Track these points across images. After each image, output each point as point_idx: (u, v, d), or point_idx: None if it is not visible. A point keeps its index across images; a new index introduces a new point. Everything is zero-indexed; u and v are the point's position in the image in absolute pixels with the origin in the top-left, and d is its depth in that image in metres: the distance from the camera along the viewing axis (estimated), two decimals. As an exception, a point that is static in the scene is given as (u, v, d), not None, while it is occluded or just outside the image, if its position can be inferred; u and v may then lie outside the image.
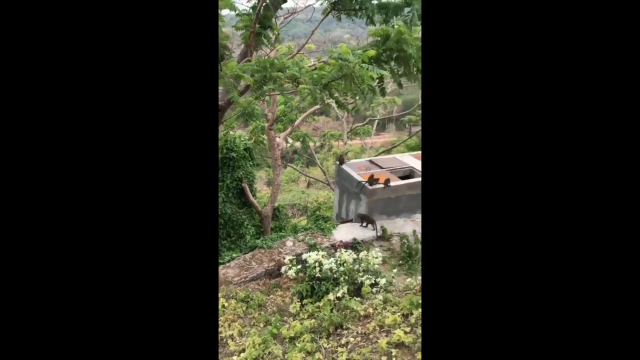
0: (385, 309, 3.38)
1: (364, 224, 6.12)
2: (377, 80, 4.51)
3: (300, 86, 3.62)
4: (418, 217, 6.67)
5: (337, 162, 7.73)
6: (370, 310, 3.43)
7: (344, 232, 5.98)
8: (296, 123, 9.31)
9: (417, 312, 3.08)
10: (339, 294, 3.79)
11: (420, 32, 4.49)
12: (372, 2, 4.84)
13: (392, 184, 6.60)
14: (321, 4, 5.27)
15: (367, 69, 3.26)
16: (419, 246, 5.20)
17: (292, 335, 3.38)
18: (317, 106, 8.37)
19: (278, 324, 3.61)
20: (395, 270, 4.49)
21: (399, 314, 3.18)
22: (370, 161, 7.90)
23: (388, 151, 13.14)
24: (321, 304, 3.79)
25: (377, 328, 3.11)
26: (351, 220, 6.61)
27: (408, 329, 2.94)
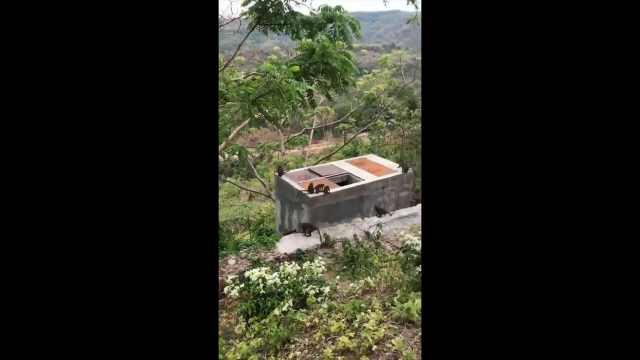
0: (330, 316, 3.44)
1: (307, 233, 6.17)
2: (307, 93, 4.62)
3: (227, 103, 3.58)
4: (358, 221, 6.90)
5: (277, 173, 7.73)
6: (316, 320, 3.47)
7: (288, 244, 5.98)
8: (230, 136, 9.13)
9: (360, 316, 3.19)
10: (285, 308, 3.78)
11: (343, 47, 4.70)
12: (297, 18, 4.96)
13: (331, 190, 6.76)
14: (246, 18, 5.28)
15: (294, 84, 3.34)
16: (360, 249, 5.38)
17: (239, 358, 3.29)
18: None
19: (223, 349, 3.49)
20: (338, 277, 4.59)
21: (343, 320, 3.26)
22: (309, 170, 8.02)
23: (327, 158, 13.42)
24: (267, 320, 3.75)
25: (323, 337, 3.16)
26: (294, 231, 6.63)
27: (352, 334, 3.02)
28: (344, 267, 5.27)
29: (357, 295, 3.83)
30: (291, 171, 8.05)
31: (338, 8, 5.06)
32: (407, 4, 6.18)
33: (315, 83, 4.56)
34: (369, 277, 3.98)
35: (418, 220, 7.23)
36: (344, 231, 6.48)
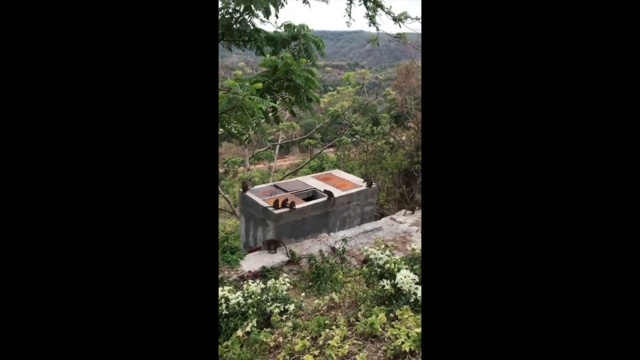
0: (295, 335, 3.38)
1: (273, 250, 6.08)
2: (272, 109, 4.64)
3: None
4: (324, 236, 6.91)
5: (241, 189, 7.61)
6: (280, 339, 3.39)
7: (253, 261, 5.85)
8: (194, 152, 8.91)
9: (325, 333, 3.15)
10: (248, 329, 3.66)
11: (307, 64, 4.79)
12: (261, 34, 5.01)
13: (297, 206, 6.74)
14: (209, 34, 5.25)
15: (257, 100, 3.34)
16: (326, 265, 5.37)
17: (199, 383, 3.13)
18: (215, 134, 8.17)
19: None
20: (303, 294, 4.54)
21: (307, 338, 3.21)
22: (275, 185, 7.97)
23: (294, 173, 13.42)
24: (229, 342, 3.61)
25: (287, 357, 3.08)
26: (259, 248, 6.51)
27: (317, 352, 2.98)
28: (310, 283, 5.23)
29: (322, 311, 3.80)
30: (256, 187, 7.96)
31: (302, 26, 5.17)
32: (369, 25, 6.44)
33: (279, 100, 4.59)
34: (334, 292, 3.97)
35: (382, 234, 7.36)
36: (310, 247, 6.45)
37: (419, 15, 6.47)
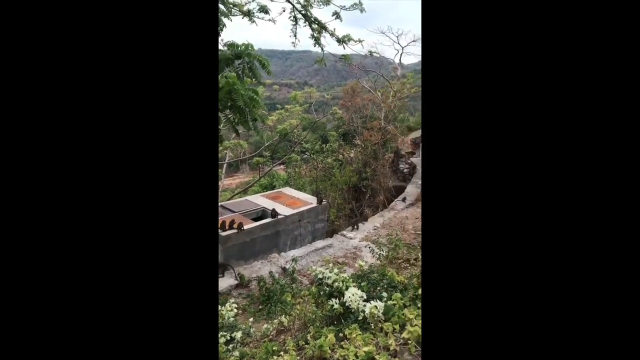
0: (242, 365, 3.21)
1: (220, 274, 5.81)
2: (215, 128, 4.51)
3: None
4: (274, 257, 6.76)
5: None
6: (227, 371, 3.20)
7: (198, 287, 5.53)
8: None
9: (273, 360, 3.03)
10: (191, 362, 3.41)
11: (251, 83, 4.76)
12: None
13: (245, 227, 6.55)
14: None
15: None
16: (277, 287, 5.23)
17: None
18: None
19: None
20: (252, 319, 4.36)
21: (255, 367, 3.06)
22: (222, 206, 7.71)
23: (244, 191, 13.12)
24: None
25: (234, 390, 2.91)
26: (206, 272, 6.19)
27: (265, 382, 2.84)
28: (260, 306, 5.05)
29: (271, 336, 3.66)
30: (202, 208, 7.63)
31: (247, 45, 5.16)
32: (314, 46, 6.60)
33: (223, 119, 4.50)
34: (283, 315, 3.86)
35: (333, 251, 7.38)
36: (260, 269, 6.27)
37: (362, 37, 6.78)
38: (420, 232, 7.24)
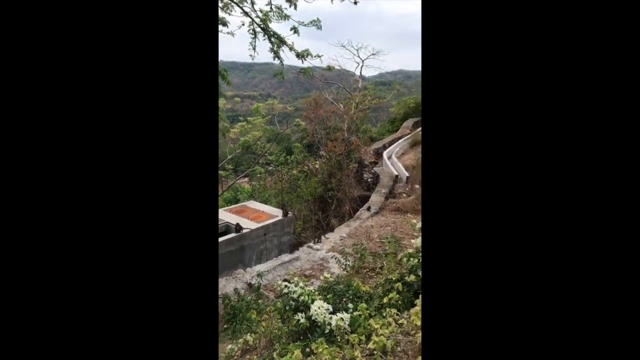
0: (206, 390, 3.05)
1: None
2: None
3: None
4: (239, 273, 6.58)
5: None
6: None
7: (158, 310, 5.24)
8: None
9: (239, 382, 2.91)
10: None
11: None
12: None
13: (208, 243, 6.34)
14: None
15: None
16: (242, 304, 5.08)
17: None
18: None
19: None
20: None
21: (220, 391, 2.92)
22: (183, 223, 7.42)
23: (206, 207, 12.72)
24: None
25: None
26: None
27: (230, 406, 2.72)
28: (225, 325, 4.86)
29: (236, 357, 3.53)
30: (162, 225, 7.30)
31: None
32: (274, 59, 6.62)
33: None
34: (248, 334, 3.74)
35: (300, 264, 7.31)
36: (225, 286, 6.07)
37: (322, 50, 6.89)
38: (384, 241, 7.36)
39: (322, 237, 8.21)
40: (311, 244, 8.17)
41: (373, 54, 21.46)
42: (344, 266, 5.80)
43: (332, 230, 9.10)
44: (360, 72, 20.94)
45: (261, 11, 6.20)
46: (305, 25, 6.60)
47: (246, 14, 6.23)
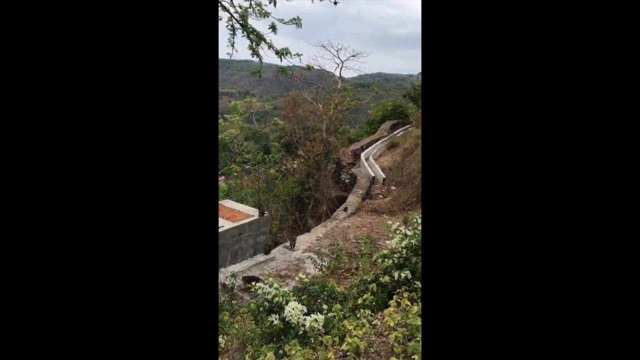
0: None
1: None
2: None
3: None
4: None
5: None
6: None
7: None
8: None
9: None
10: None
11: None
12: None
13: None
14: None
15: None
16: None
17: None
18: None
19: None
20: (187, 342, 4.07)
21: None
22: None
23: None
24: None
25: None
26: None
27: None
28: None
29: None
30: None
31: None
32: (252, 56, 6.52)
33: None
34: (220, 336, 3.66)
35: (275, 264, 7.25)
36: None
37: (302, 49, 6.85)
38: (360, 241, 7.42)
39: (296, 242, 8.17)
40: (287, 244, 8.12)
41: (353, 56, 21.58)
42: (319, 267, 5.79)
43: (308, 230, 9.09)
44: (340, 73, 21.03)
45: (240, 7, 6.10)
46: (285, 23, 6.54)
47: (225, 8, 6.11)
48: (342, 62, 21.01)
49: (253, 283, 3.74)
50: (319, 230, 9.09)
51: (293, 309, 3.14)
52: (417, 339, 2.21)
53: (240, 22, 6.24)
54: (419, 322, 2.28)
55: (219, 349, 3.56)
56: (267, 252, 7.55)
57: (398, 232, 3.47)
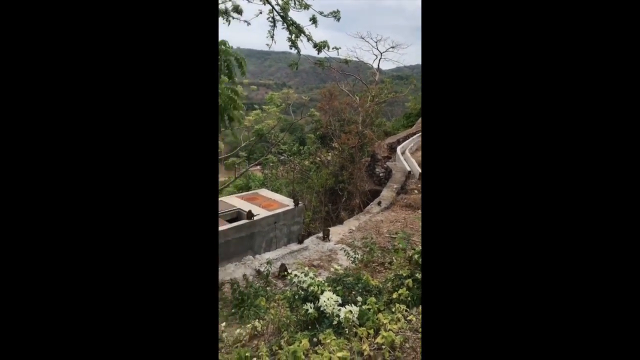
0: (213, 372, 3.12)
1: (192, 277, 5.66)
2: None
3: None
4: (249, 259, 6.66)
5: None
6: (197, 378, 3.10)
7: (168, 291, 5.36)
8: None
9: (246, 367, 2.96)
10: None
11: (228, 82, 4.67)
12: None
13: (219, 228, 6.42)
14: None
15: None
16: (250, 290, 5.15)
17: None
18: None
19: None
20: (224, 324, 4.26)
21: (227, 374, 2.99)
22: (195, 207, 7.53)
23: (220, 191, 12.87)
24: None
25: (204, 398, 2.82)
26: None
27: (237, 389, 2.78)
28: (233, 310, 4.95)
29: (243, 342, 3.59)
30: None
31: (222, 42, 5.04)
32: (291, 49, 6.57)
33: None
34: (256, 320, 3.80)
35: (308, 254, 7.36)
36: (234, 271, 6.16)
37: (341, 41, 6.80)
38: (394, 236, 7.35)
39: (329, 234, 8.22)
40: (320, 234, 8.20)
41: (392, 47, 21.07)
42: (352, 259, 5.81)
43: (341, 222, 9.12)
44: (378, 65, 20.65)
45: (282, -1, 6.14)
46: (325, 15, 6.52)
47: (267, 1, 6.18)
48: (381, 53, 20.57)
49: (290, 271, 3.83)
50: (351, 223, 9.10)
51: (328, 299, 3.19)
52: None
53: (281, 14, 6.30)
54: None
55: (255, 332, 3.71)
56: (300, 242, 7.68)
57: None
